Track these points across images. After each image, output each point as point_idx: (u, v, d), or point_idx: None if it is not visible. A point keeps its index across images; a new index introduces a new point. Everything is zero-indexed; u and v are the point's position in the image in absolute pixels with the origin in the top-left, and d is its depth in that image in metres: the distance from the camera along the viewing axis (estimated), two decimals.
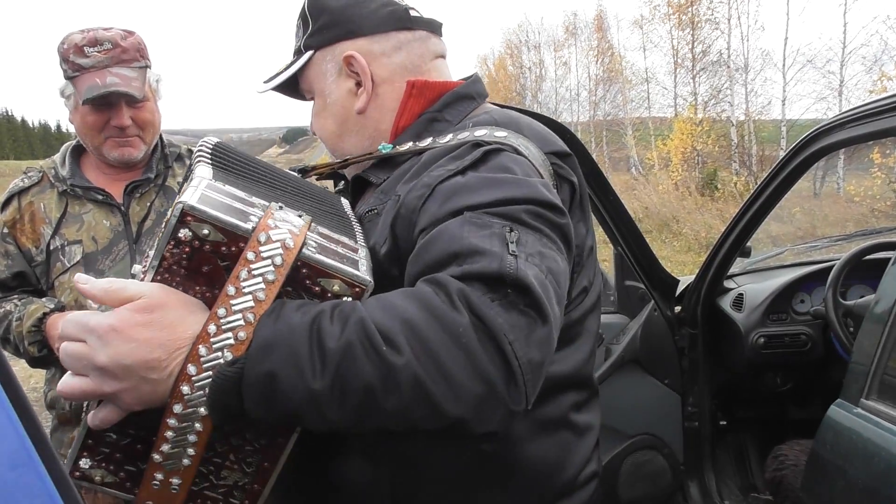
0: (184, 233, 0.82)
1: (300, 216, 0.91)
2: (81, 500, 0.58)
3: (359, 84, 1.16)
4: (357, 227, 1.07)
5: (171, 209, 0.83)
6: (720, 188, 16.90)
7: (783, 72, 19.29)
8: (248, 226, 0.84)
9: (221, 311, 0.81)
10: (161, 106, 1.84)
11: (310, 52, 1.19)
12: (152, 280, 0.85)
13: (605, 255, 2.85)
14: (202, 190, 0.85)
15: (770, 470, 2.22)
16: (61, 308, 1.74)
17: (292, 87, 1.24)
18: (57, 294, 1.78)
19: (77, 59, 1.69)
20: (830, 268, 2.39)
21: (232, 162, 1.00)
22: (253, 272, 0.82)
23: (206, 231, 0.82)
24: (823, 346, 2.49)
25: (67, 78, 1.73)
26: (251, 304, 0.81)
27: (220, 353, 0.80)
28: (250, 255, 0.82)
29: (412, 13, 1.17)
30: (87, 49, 1.69)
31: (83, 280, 0.84)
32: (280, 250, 0.83)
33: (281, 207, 0.90)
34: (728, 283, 2.68)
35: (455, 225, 0.89)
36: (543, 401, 1.07)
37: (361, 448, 1.07)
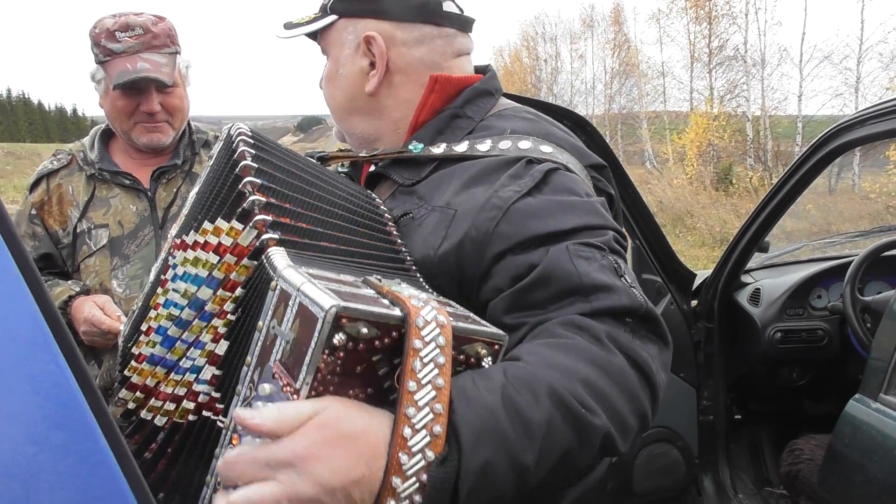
0: (338, 338, 0.74)
1: (399, 284, 0.85)
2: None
3: (373, 65, 1.14)
4: (396, 236, 1.04)
5: (292, 319, 0.76)
6: (735, 183, 16.80)
7: (800, 67, 19.16)
8: (397, 312, 0.77)
9: (411, 411, 0.74)
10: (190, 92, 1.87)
11: (334, 17, 1.16)
12: (308, 396, 0.76)
13: None
14: (324, 289, 0.77)
15: (785, 464, 2.23)
16: (86, 291, 1.76)
17: (312, 35, 1.21)
18: (82, 277, 1.81)
19: (108, 43, 1.71)
20: (848, 264, 2.39)
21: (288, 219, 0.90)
22: (425, 360, 0.76)
23: (364, 329, 0.75)
24: (840, 342, 2.48)
25: (98, 62, 1.75)
26: (434, 394, 0.76)
27: (420, 456, 0.73)
28: (417, 344, 0.76)
29: (445, 7, 1.15)
30: (119, 34, 1.71)
31: (249, 416, 0.72)
32: (438, 330, 0.77)
33: (379, 279, 0.85)
34: (745, 278, 2.68)
35: (563, 260, 0.92)
36: None
37: None
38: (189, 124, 1.91)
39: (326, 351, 0.75)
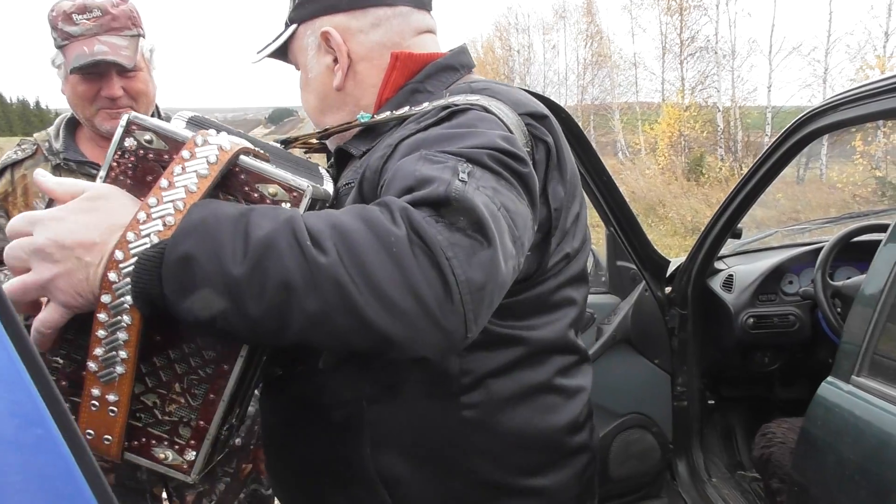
0: (129, 142, 0.88)
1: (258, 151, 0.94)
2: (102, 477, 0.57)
3: (337, 60, 1.15)
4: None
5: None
6: (706, 173, 17.00)
7: (769, 58, 19.44)
8: (189, 134, 0.88)
9: (152, 201, 0.83)
10: (156, 77, 1.82)
11: (294, 26, 1.19)
12: None
13: (598, 237, 2.87)
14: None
15: (758, 447, 2.25)
16: None
17: (285, 54, 1.24)
18: None
19: (65, 26, 1.66)
20: (818, 250, 2.43)
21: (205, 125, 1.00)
22: (187, 168, 0.85)
23: (148, 137, 0.88)
24: (811, 327, 2.52)
25: (57, 47, 1.69)
26: (182, 195, 0.83)
27: (147, 239, 0.81)
28: (185, 154, 0.85)
29: None
30: (76, 16, 1.65)
31: (41, 174, 0.88)
32: (216, 151, 0.86)
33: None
34: (718, 265, 2.70)
35: (409, 162, 0.89)
36: (527, 366, 1.09)
37: (339, 419, 1.07)
38: (158, 110, 1.86)
39: (119, 152, 0.89)
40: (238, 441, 1.92)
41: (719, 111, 20.18)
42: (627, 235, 2.41)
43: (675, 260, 2.64)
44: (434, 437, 1.06)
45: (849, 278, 2.36)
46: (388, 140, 1.01)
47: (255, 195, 0.89)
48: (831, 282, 2.33)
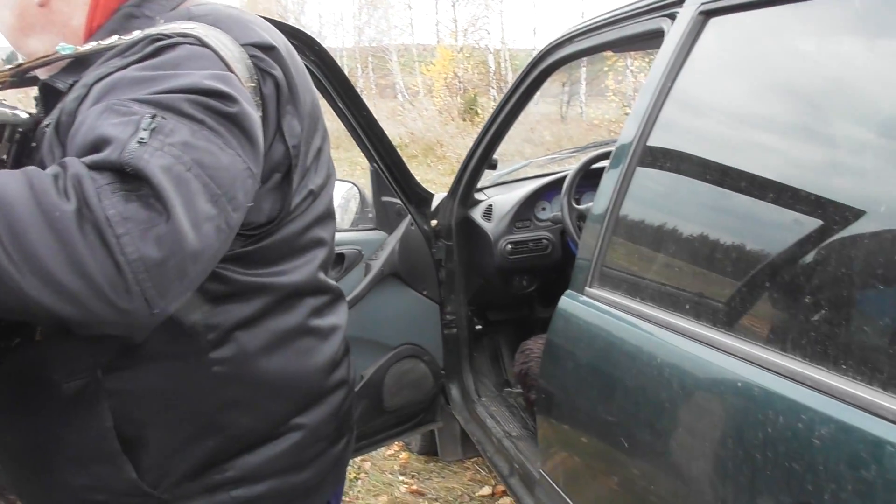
0: None
1: None
2: None
3: None
4: None
5: None
6: (480, 113, 17.70)
7: (532, 1, 20.48)
8: None
9: None
10: None
11: None
12: None
13: (363, 174, 2.87)
14: None
15: (518, 364, 2.42)
16: None
17: None
18: None
19: None
20: (565, 178, 2.61)
21: None
22: None
23: None
24: (561, 249, 2.73)
25: None
26: None
27: None
28: None
29: None
30: None
31: None
32: None
33: None
34: (479, 196, 2.82)
35: (94, 114, 0.81)
36: (278, 313, 1.05)
37: (71, 392, 0.96)
38: None
39: None
40: None
41: (490, 53, 21.02)
42: (391, 171, 2.43)
43: (439, 194, 2.71)
44: (183, 398, 0.99)
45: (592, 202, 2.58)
46: (86, 78, 0.90)
47: None
48: (576, 206, 2.54)
